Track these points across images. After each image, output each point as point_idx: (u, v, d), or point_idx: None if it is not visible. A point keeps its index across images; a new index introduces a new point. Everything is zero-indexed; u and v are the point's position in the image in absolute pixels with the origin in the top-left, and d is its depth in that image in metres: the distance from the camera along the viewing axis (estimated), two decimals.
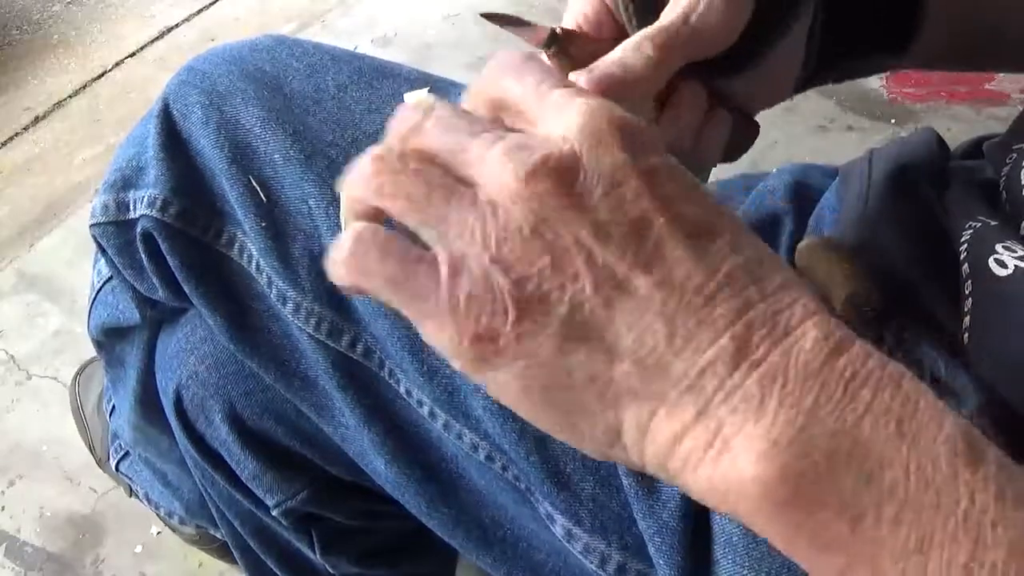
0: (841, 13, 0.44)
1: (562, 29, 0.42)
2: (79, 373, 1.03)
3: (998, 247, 0.40)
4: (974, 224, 0.42)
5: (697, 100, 0.43)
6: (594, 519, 0.47)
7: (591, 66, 0.38)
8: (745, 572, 0.43)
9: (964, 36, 0.47)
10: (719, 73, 0.43)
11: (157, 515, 0.93)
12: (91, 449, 0.99)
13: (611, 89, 0.37)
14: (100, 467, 0.99)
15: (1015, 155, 0.44)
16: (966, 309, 0.42)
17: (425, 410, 0.52)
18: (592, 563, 0.48)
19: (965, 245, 0.42)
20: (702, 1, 0.39)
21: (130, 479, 0.90)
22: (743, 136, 0.48)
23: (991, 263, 0.40)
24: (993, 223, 0.42)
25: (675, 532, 0.44)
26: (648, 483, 0.45)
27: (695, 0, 0.39)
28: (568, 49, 0.42)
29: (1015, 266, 0.39)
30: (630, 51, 0.38)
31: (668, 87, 0.42)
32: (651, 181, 0.28)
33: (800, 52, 0.44)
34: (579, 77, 0.37)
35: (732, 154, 0.48)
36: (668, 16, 0.39)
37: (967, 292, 0.42)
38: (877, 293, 0.49)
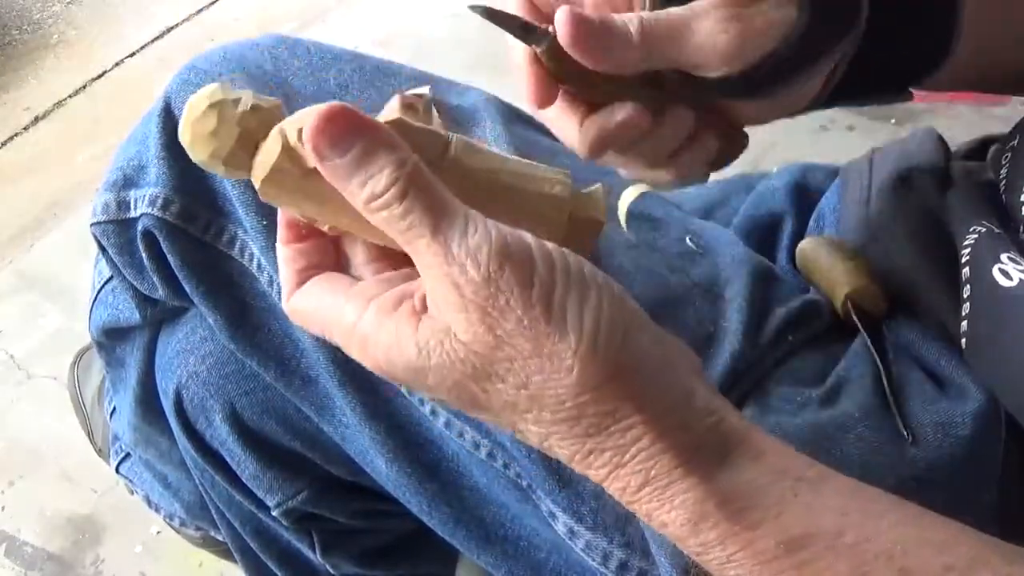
0: (874, 46, 0.42)
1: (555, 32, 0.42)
2: (76, 362, 1.02)
3: (1003, 256, 0.40)
4: (978, 229, 0.42)
5: (679, 124, 0.42)
6: (596, 516, 0.47)
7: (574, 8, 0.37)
8: None
9: (993, 54, 0.46)
10: (727, 94, 0.41)
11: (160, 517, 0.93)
12: (90, 437, 0.98)
13: (586, 34, 0.37)
14: (100, 457, 0.98)
15: (1009, 154, 0.44)
16: (964, 314, 0.42)
17: (427, 408, 0.52)
18: (594, 560, 0.48)
19: (968, 250, 0.42)
20: (704, 13, 0.38)
21: (131, 481, 0.90)
22: (729, 149, 0.47)
23: (995, 272, 0.40)
24: (997, 230, 0.42)
25: None
26: None
27: (699, 8, 0.39)
28: (558, 53, 0.42)
29: (1020, 279, 0.39)
30: (616, 19, 0.38)
31: (655, 111, 0.42)
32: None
33: (816, 83, 0.43)
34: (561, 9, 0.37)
35: (715, 167, 0.47)
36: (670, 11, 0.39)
37: (965, 296, 0.42)
38: (878, 292, 0.49)
